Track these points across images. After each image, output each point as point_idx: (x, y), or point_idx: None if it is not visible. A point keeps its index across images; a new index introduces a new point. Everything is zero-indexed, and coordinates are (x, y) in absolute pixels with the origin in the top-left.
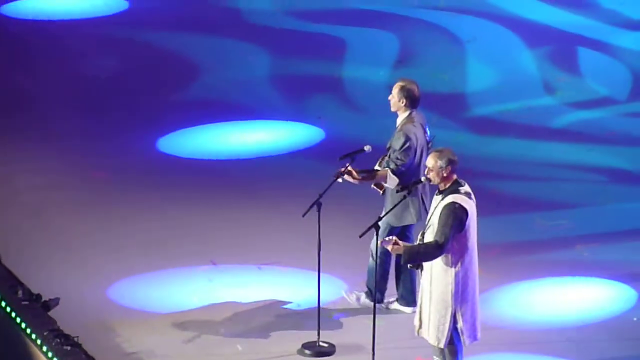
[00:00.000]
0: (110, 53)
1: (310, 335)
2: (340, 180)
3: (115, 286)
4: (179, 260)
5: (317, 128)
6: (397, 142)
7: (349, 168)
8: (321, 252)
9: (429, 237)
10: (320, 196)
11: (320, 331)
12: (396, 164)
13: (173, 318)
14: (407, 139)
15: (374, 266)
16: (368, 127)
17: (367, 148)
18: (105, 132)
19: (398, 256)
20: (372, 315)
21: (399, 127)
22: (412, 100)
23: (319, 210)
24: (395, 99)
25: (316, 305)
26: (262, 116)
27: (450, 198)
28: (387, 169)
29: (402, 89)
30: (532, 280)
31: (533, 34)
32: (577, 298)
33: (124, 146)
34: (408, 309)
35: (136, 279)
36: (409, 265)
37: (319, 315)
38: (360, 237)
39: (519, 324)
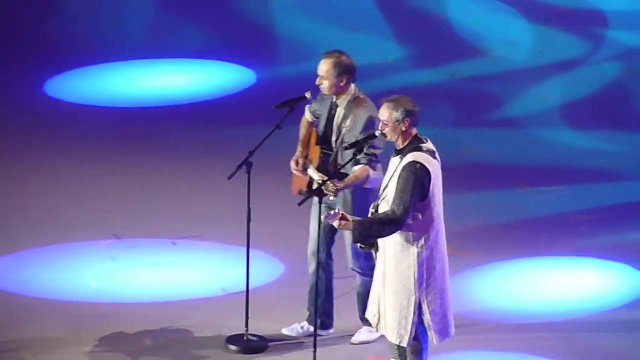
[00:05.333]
0: None
1: (237, 326)
2: (335, 197)
3: None
4: (73, 234)
5: (247, 69)
6: (358, 128)
7: (328, 181)
8: (251, 224)
9: (385, 209)
10: (251, 154)
11: (249, 321)
12: (372, 156)
13: (64, 306)
14: (372, 120)
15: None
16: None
17: (308, 94)
18: None
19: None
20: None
21: (349, 109)
22: (352, 73)
23: (248, 172)
24: (330, 80)
25: (244, 289)
26: (176, 54)
27: (409, 157)
28: (361, 166)
29: (335, 64)
30: (516, 260)
31: None
32: (570, 283)
33: (2, 88)
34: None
35: (18, 257)
36: (359, 245)
37: (247, 302)
38: (300, 205)
39: (498, 315)
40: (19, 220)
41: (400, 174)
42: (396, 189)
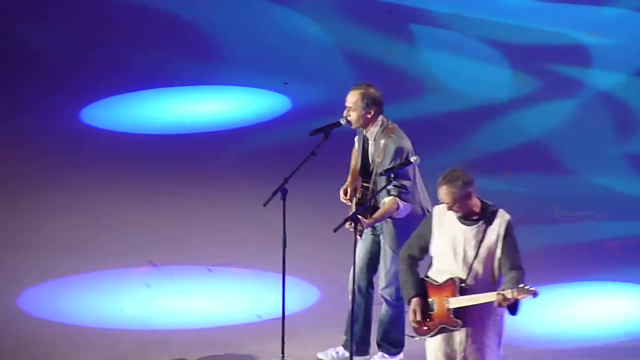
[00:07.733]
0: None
1: (273, 352)
2: (359, 237)
3: (28, 293)
4: (108, 261)
5: (282, 96)
6: (387, 159)
7: (359, 218)
8: (286, 250)
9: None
10: (286, 180)
11: (285, 348)
12: (401, 188)
13: (101, 334)
14: (400, 150)
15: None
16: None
17: (343, 121)
18: (13, 101)
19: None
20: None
21: (378, 141)
22: (380, 105)
23: (284, 198)
24: (357, 112)
25: (279, 315)
26: (211, 81)
27: (504, 215)
28: (392, 197)
29: (363, 96)
30: (551, 286)
31: None
32: (606, 308)
33: (38, 118)
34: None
35: (55, 285)
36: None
37: (283, 329)
38: (335, 231)
39: (537, 341)
40: (55, 248)
41: (506, 234)
42: (510, 248)
